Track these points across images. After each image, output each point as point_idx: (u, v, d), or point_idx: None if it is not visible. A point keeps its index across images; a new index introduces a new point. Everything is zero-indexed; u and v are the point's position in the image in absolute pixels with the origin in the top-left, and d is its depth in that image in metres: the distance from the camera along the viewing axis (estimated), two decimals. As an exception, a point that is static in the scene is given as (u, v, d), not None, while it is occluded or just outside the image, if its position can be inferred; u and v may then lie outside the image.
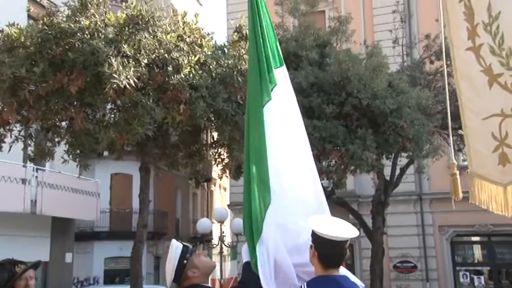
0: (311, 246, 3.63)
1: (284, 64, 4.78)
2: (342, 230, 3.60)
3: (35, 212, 20.32)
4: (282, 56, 4.77)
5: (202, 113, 11.98)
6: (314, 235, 3.61)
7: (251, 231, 4.12)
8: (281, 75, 4.65)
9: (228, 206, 29.78)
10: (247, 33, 4.77)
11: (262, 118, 4.34)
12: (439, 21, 5.16)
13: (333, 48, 17.60)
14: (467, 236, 27.81)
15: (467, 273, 26.91)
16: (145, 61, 11.64)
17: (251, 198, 4.18)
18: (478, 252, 28.10)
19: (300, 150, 4.54)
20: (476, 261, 27.94)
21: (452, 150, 5.07)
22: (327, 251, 3.55)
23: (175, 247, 3.87)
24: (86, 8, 12.06)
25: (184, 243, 3.93)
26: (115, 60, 10.87)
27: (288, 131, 4.48)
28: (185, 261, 3.80)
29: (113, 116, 13.29)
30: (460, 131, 4.40)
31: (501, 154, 4.13)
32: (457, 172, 4.35)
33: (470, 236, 27.79)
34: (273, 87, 4.50)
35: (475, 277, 26.73)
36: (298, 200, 4.30)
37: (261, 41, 4.50)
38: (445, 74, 5.97)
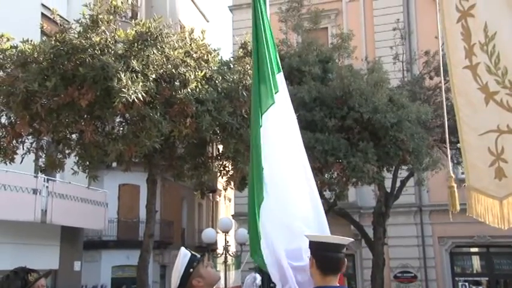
0: (310, 258, 3.66)
1: (281, 71, 4.84)
2: (336, 236, 3.70)
3: (45, 221, 20.58)
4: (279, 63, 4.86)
5: (208, 126, 12.19)
6: (311, 244, 3.69)
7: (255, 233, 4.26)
8: (281, 81, 4.73)
9: (233, 216, 29.84)
10: (252, 49, 4.89)
11: (259, 121, 4.43)
12: (438, 38, 5.30)
13: (335, 64, 17.74)
14: (466, 247, 27.83)
15: (466, 284, 26.99)
16: (153, 76, 11.90)
17: (251, 202, 4.33)
18: (476, 263, 28.15)
19: (299, 156, 4.58)
20: (475, 272, 27.98)
21: (450, 163, 5.20)
22: (323, 254, 3.56)
23: (184, 255, 3.89)
24: (96, 25, 12.34)
25: (193, 252, 3.96)
26: (124, 75, 11.13)
27: (288, 137, 4.56)
28: (191, 270, 3.82)
29: (121, 128, 13.53)
30: (458, 145, 4.50)
31: (497, 168, 4.22)
32: (455, 185, 4.43)
33: (469, 247, 27.80)
34: (276, 93, 4.57)
35: (474, 287, 26.87)
36: (295, 203, 4.36)
37: (265, 45, 4.61)
38: (443, 90, 6.17)
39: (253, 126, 4.52)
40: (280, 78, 4.73)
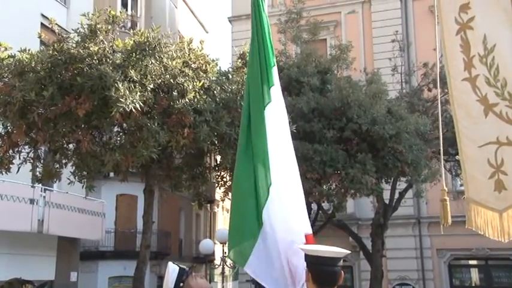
0: (306, 271, 3.66)
1: (275, 65, 4.87)
2: (331, 248, 3.68)
3: (41, 232, 20.43)
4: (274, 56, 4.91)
5: (206, 136, 12.16)
6: (306, 257, 3.67)
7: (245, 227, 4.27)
8: (276, 74, 4.76)
9: (230, 227, 29.76)
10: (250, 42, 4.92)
11: (263, 120, 4.48)
12: (437, 50, 5.29)
13: (334, 75, 17.75)
14: (465, 259, 27.76)
15: (465, 296, 27.03)
16: (151, 86, 11.86)
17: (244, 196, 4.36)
18: (475, 275, 28.09)
19: (290, 150, 4.62)
20: (473, 285, 27.89)
21: (443, 176, 5.16)
22: (318, 268, 3.54)
23: (172, 270, 3.97)
24: (95, 34, 12.32)
25: (181, 266, 4.02)
26: (122, 85, 11.09)
27: (285, 132, 4.61)
28: (181, 284, 3.89)
29: (118, 138, 13.49)
30: (457, 157, 4.44)
31: (497, 181, 4.18)
32: (447, 198, 4.39)
33: (467, 259, 27.74)
34: (271, 87, 4.61)
35: (473, 300, 26.85)
36: (294, 203, 4.39)
37: (262, 41, 4.67)
38: (439, 103, 6.15)
39: (257, 123, 4.52)
40: (275, 70, 4.77)
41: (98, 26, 12.45)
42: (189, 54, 13.24)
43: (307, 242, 4.19)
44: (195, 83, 12.35)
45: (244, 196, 4.39)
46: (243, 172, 4.49)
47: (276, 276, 4.16)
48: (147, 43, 12.31)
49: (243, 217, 4.33)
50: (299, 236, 4.20)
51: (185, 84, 12.18)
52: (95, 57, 11.76)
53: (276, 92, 4.65)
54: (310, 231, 4.37)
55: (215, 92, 12.90)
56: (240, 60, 14.24)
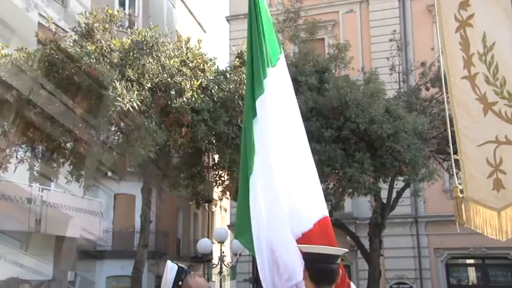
0: (304, 269, 3.64)
1: (283, 52, 4.90)
2: (330, 247, 3.71)
3: (39, 231, 20.42)
4: (281, 48, 4.93)
5: (204, 136, 12.16)
6: (304, 255, 3.65)
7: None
8: (277, 68, 4.78)
9: (228, 226, 29.62)
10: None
11: (253, 111, 4.49)
12: (435, 49, 5.26)
13: (332, 74, 17.67)
14: (462, 258, 27.78)
15: (462, 295, 27.02)
16: (149, 85, 11.86)
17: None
18: (472, 274, 28.10)
19: (294, 142, 4.66)
20: (470, 284, 27.89)
21: (455, 174, 5.14)
22: (315, 265, 3.52)
23: (171, 268, 3.94)
24: (92, 33, 12.32)
25: (180, 265, 3.99)
26: (119, 84, 11.08)
27: (281, 124, 4.59)
28: (180, 283, 3.87)
29: (116, 138, 13.45)
30: (455, 156, 4.45)
31: (495, 180, 4.19)
32: (460, 195, 4.35)
33: (465, 258, 27.76)
34: (264, 78, 4.59)
35: (470, 299, 26.86)
36: (289, 192, 4.42)
37: (257, 38, 4.63)
38: (445, 100, 6.12)
39: (247, 119, 4.57)
40: (279, 64, 4.78)
41: (95, 25, 12.46)
42: (186, 53, 13.23)
43: (319, 227, 4.26)
44: (192, 82, 12.34)
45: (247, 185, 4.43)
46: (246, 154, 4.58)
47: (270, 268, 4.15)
48: (145, 42, 12.32)
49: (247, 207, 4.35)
50: (299, 225, 4.21)
51: (183, 83, 12.18)
52: (92, 56, 11.74)
53: (272, 82, 4.64)
54: (321, 216, 4.43)
55: (213, 91, 12.90)
56: (237, 60, 14.21)
